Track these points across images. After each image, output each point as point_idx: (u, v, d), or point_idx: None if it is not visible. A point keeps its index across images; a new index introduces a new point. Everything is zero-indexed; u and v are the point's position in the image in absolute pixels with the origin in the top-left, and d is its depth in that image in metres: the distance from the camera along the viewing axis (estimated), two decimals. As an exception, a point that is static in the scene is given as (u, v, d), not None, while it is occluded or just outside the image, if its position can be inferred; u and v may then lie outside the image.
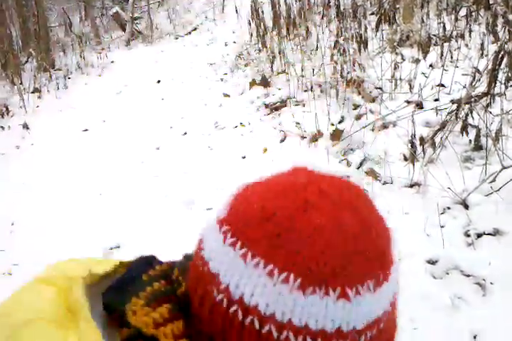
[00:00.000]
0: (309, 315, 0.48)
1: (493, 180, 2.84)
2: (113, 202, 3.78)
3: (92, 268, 0.61)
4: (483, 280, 2.34)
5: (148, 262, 0.62)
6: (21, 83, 7.54)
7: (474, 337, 2.12)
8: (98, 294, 0.59)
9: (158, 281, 0.58)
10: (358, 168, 3.47)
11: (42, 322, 0.54)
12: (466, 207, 2.80)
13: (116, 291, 0.58)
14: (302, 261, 0.48)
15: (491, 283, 2.32)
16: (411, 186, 3.13)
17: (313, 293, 0.48)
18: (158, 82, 7.29)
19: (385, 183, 3.25)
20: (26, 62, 8.82)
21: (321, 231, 0.49)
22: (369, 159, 3.50)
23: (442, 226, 2.71)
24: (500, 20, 3.60)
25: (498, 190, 2.77)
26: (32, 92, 7.17)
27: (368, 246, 0.50)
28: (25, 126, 5.79)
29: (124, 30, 11.93)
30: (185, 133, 4.92)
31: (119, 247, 3.18)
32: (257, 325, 0.49)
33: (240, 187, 0.57)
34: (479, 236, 2.59)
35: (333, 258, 0.48)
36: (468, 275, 2.39)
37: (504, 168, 2.82)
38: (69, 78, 8.03)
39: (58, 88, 7.40)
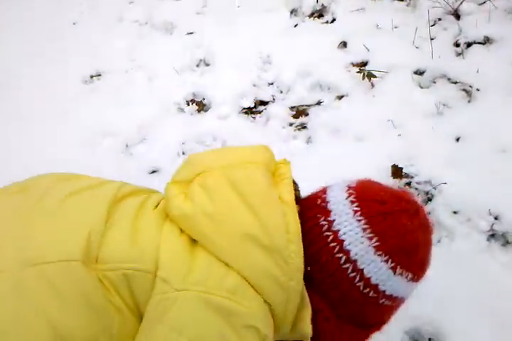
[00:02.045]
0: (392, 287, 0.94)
1: (489, -12, 2.67)
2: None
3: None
4: (470, 86, 2.34)
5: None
6: None
7: (457, 140, 2.19)
8: None
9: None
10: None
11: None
12: (458, 17, 2.68)
13: None
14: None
15: (478, 90, 2.32)
16: (402, -1, 2.95)
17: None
18: None
19: (375, -2, 3.06)
20: None
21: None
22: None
23: (432, 39, 2.63)
24: None
25: (493, -2, 2.63)
26: None
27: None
28: None
29: None
30: None
31: (100, 75, 3.08)
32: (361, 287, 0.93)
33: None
34: (469, 45, 2.52)
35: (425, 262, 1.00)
36: (455, 83, 2.39)
37: (501, -26, 2.63)
38: None
39: None
